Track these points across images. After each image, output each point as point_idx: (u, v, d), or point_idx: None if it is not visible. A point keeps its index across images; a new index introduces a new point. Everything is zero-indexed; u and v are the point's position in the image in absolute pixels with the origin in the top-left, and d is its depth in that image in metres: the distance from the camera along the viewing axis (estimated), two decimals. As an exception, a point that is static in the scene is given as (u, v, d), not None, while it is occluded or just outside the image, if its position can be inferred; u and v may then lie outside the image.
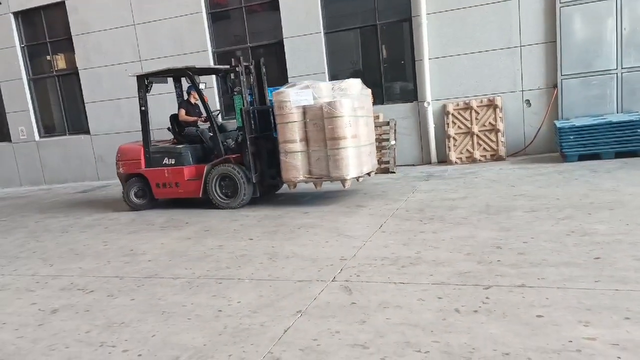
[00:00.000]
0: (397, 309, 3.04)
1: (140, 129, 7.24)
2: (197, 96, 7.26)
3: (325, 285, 3.58)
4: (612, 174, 6.35)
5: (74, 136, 11.72)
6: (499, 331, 2.64)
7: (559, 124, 7.73)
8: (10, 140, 12.17)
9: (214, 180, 6.73)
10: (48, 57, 11.79)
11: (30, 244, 5.96)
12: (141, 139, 7.28)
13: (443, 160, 9.00)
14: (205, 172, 6.79)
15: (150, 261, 4.70)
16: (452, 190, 6.46)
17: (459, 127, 8.81)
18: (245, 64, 6.76)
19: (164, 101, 9.35)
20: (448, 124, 8.84)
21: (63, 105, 11.84)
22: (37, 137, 12.00)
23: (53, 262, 5.03)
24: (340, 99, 5.98)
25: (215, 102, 10.01)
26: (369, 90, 6.85)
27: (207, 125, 7.23)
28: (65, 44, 11.39)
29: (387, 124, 8.72)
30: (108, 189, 10.18)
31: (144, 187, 7.31)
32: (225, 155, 6.77)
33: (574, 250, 3.74)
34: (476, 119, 8.67)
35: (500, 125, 8.54)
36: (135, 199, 7.42)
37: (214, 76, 9.52)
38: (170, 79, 7.97)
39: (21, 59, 11.75)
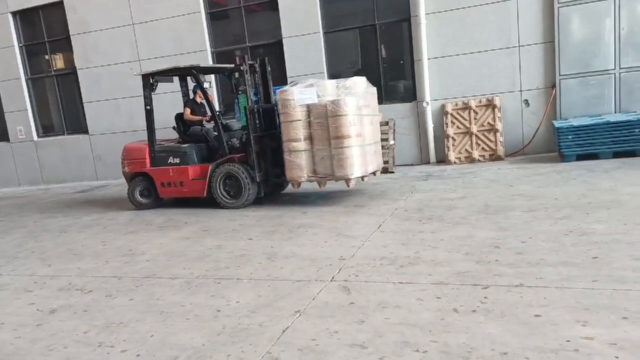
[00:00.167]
0: (395, 309, 3.04)
1: (146, 128, 7.18)
2: (202, 95, 7.25)
3: (324, 285, 3.58)
4: (610, 173, 6.36)
5: (72, 136, 11.71)
6: (497, 331, 2.64)
7: (557, 123, 7.75)
8: (8, 140, 12.16)
9: (218, 179, 6.69)
10: (46, 57, 11.78)
11: (29, 244, 5.96)
12: (146, 138, 7.25)
13: (442, 160, 9.01)
14: (209, 171, 6.76)
15: (148, 261, 4.70)
16: (451, 190, 6.47)
17: (457, 127, 8.82)
18: (250, 62, 6.73)
19: (163, 101, 9.34)
20: (447, 123, 8.85)
21: (61, 105, 11.83)
22: (35, 137, 11.99)
23: (51, 262, 5.02)
24: (345, 98, 5.91)
25: (214, 102, 10.00)
26: (375, 89, 6.77)
27: (213, 124, 7.21)
28: (64, 44, 11.38)
29: (386, 123, 8.70)
30: (106, 189, 10.16)
31: (149, 187, 7.29)
32: (229, 154, 6.73)
33: (572, 250, 3.75)
34: (475, 118, 8.69)
35: (499, 125, 8.55)
36: (140, 198, 7.40)
37: (212, 76, 9.52)
38: (176, 78, 7.94)
39: (19, 58, 11.74)
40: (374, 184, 7.49)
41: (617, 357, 2.30)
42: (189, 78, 7.76)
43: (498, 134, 8.56)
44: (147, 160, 7.18)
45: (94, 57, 11.00)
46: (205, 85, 7.07)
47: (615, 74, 8.09)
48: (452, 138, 8.83)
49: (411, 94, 9.21)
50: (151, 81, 7.04)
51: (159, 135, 7.38)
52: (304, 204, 6.57)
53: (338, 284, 3.58)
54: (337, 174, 5.96)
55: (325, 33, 9.43)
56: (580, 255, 3.62)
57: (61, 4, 11.05)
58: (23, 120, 11.91)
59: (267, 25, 9.84)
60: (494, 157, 8.59)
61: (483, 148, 8.69)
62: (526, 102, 8.61)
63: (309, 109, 5.99)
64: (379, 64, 9.35)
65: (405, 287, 3.37)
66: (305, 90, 5.99)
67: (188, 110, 7.32)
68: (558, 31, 8.19)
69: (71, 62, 11.36)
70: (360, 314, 3.02)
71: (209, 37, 10.17)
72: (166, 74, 7.34)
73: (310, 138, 6.04)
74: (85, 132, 11.46)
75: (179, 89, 7.93)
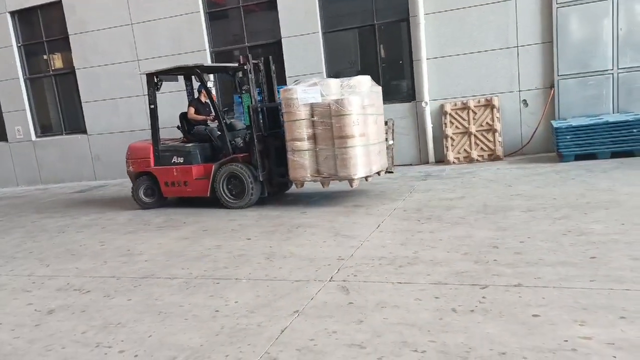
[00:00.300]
0: (394, 309, 3.04)
1: (146, 128, 7.18)
2: (206, 94, 7.24)
3: (322, 285, 3.58)
4: (608, 173, 6.37)
5: (70, 136, 11.69)
6: (495, 331, 2.64)
7: (555, 124, 7.76)
8: (6, 140, 12.14)
9: (222, 179, 6.65)
10: (45, 57, 11.77)
11: (27, 244, 5.95)
12: (149, 137, 7.23)
13: (441, 160, 9.01)
14: (212, 171, 6.73)
15: (147, 261, 4.70)
16: (450, 190, 6.47)
17: (456, 127, 8.82)
18: (254, 61, 6.70)
19: (163, 101, 9.32)
20: (446, 123, 8.86)
21: (60, 105, 11.81)
22: (33, 137, 11.97)
23: (50, 262, 5.02)
24: (349, 97, 5.82)
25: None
26: (380, 88, 6.69)
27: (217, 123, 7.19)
28: (62, 44, 11.36)
29: (385, 123, 8.70)
30: (105, 189, 10.15)
31: (153, 186, 7.28)
32: (233, 154, 6.69)
33: (570, 249, 3.75)
34: (474, 119, 8.69)
35: (498, 125, 8.55)
36: (144, 197, 7.38)
37: (211, 75, 9.51)
38: (181, 78, 7.93)
39: (18, 58, 11.72)
40: (373, 183, 7.49)
41: (615, 357, 2.30)
42: (193, 77, 7.75)
43: (497, 134, 8.56)
44: (152, 160, 7.18)
45: (93, 57, 10.99)
46: (209, 84, 7.05)
47: (613, 74, 8.10)
48: (451, 138, 8.84)
49: (410, 94, 9.22)
50: (155, 80, 7.04)
51: (159, 134, 7.36)
52: (304, 204, 6.56)
53: (337, 284, 3.58)
54: (341, 174, 5.91)
55: (324, 33, 9.43)
56: (579, 255, 3.63)
57: (60, 3, 11.03)
58: (21, 120, 11.89)
59: (266, 25, 9.84)
60: (493, 157, 8.59)
61: (482, 148, 8.70)
62: (525, 102, 8.61)
63: (313, 108, 5.91)
64: (378, 64, 9.35)
65: (403, 287, 3.37)
66: (309, 89, 5.91)
67: (192, 110, 7.31)
68: (556, 31, 8.20)
69: (70, 62, 11.34)
70: (359, 314, 3.02)
71: (208, 37, 10.16)
72: (170, 73, 7.33)
73: (314, 137, 5.98)
74: (84, 132, 11.45)
75: (179, 89, 7.93)
